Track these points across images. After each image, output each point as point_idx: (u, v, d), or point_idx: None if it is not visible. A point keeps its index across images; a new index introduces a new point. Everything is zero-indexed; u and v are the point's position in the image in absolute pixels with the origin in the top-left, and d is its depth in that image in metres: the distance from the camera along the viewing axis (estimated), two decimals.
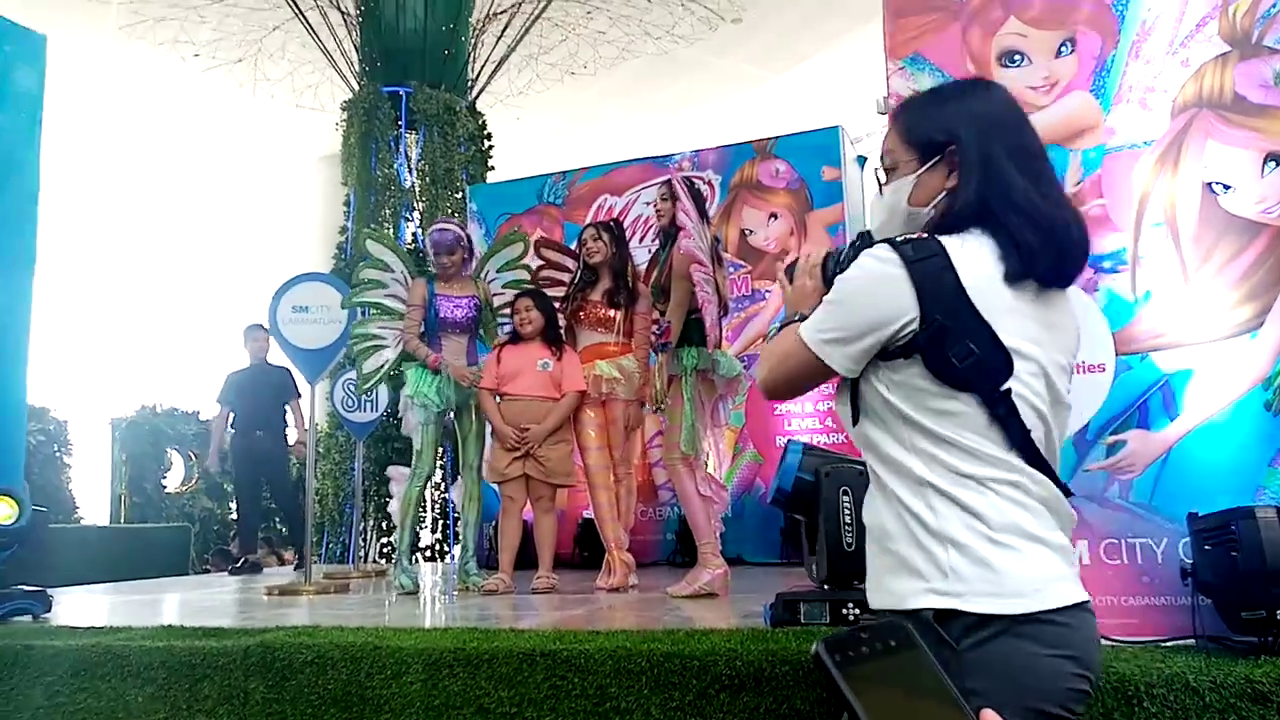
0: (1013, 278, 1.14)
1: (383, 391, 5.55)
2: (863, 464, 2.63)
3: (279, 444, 6.19)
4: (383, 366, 4.40)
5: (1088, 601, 1.12)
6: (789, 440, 2.66)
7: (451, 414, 4.40)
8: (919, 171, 1.24)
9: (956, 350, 1.11)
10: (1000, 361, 1.12)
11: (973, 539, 1.09)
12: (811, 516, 2.48)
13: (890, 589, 1.14)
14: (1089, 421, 2.28)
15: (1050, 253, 1.16)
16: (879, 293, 1.15)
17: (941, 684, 0.56)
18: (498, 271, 4.61)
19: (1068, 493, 1.16)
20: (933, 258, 1.14)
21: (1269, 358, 2.16)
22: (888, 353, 1.16)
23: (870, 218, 1.38)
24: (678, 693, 2.06)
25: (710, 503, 3.84)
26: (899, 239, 1.17)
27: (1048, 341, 1.16)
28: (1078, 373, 2.30)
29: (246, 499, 6.40)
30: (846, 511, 2.38)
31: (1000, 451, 1.12)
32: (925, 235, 1.17)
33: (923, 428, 1.14)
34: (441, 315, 4.30)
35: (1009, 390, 1.12)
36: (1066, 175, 2.43)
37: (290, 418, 6.22)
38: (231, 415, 6.28)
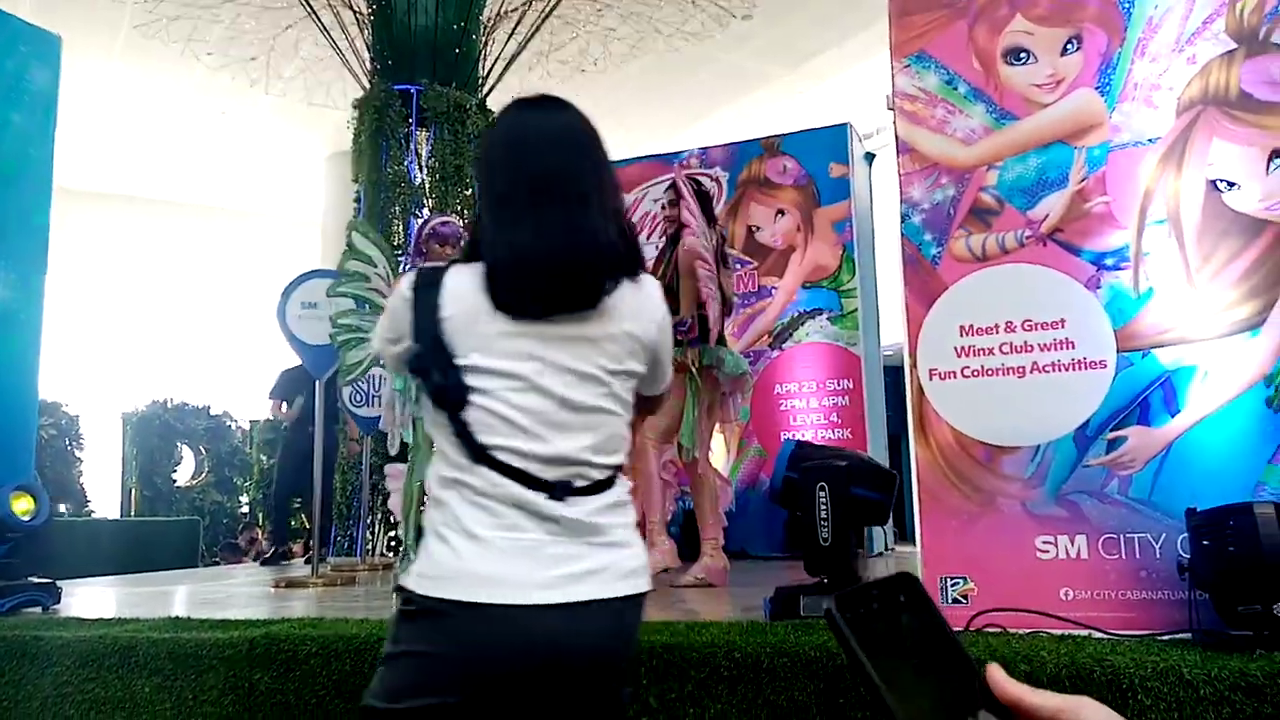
0: (500, 307, 1.22)
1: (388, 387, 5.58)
2: (847, 458, 2.65)
3: (330, 439, 6.34)
4: (364, 360, 4.42)
5: (503, 605, 1.15)
6: (785, 438, 2.68)
7: None
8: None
9: (428, 374, 1.23)
10: (458, 386, 1.21)
11: (436, 530, 1.20)
12: (804, 512, 2.50)
13: None
14: (1090, 417, 2.29)
15: (520, 285, 1.22)
16: (396, 312, 1.28)
17: (948, 637, 0.57)
18: None
19: (559, 492, 1.19)
20: (430, 288, 1.24)
21: (1270, 355, 2.16)
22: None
23: None
24: (676, 684, 2.07)
25: (669, 488, 3.92)
26: (426, 266, 1.29)
27: (561, 357, 1.22)
28: (1079, 369, 2.31)
29: (286, 493, 6.59)
30: (823, 506, 2.39)
31: (465, 459, 1.21)
32: (445, 265, 1.27)
33: (433, 435, 1.27)
34: None
35: (471, 409, 1.20)
36: (1071, 172, 2.44)
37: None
38: (284, 407, 6.62)
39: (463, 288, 1.23)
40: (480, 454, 1.19)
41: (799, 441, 2.69)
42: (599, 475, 1.24)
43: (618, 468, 1.27)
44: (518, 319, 1.21)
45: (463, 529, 1.18)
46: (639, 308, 1.28)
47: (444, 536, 1.19)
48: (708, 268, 3.68)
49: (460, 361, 1.21)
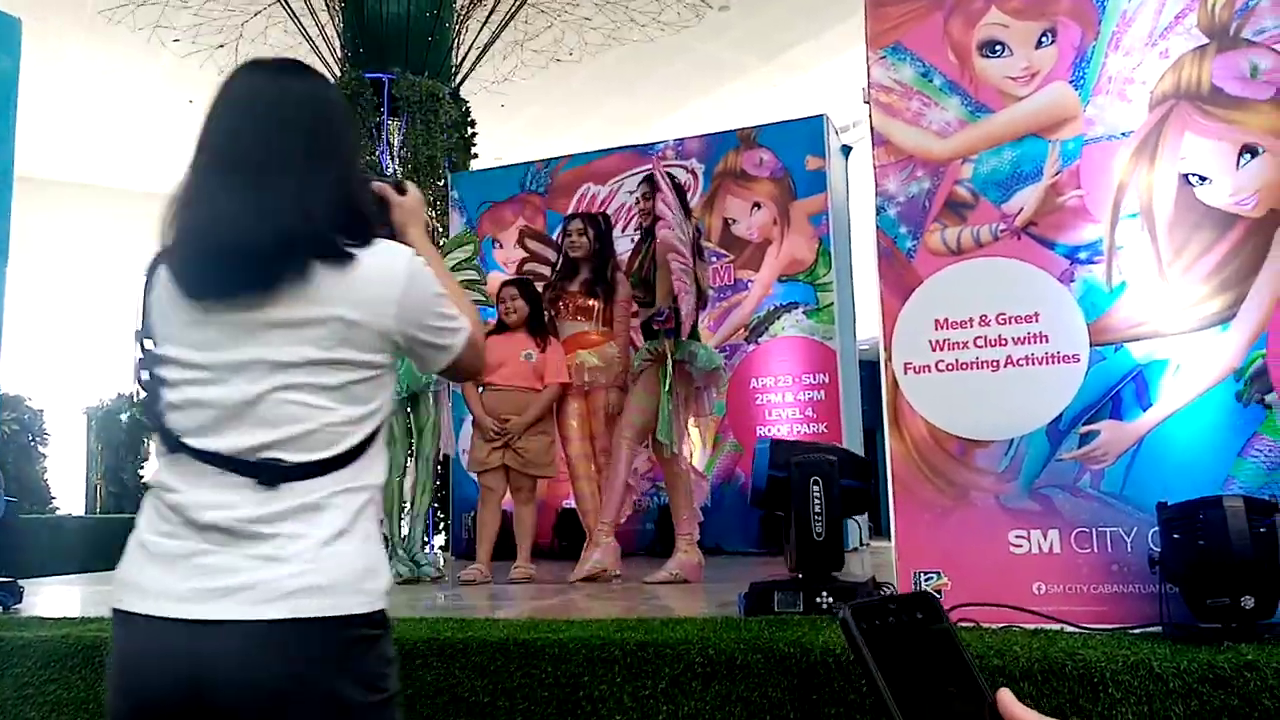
0: (184, 292, 1.11)
1: None
2: (834, 452, 2.63)
3: None
4: None
5: (144, 615, 1.04)
6: (758, 440, 2.66)
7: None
8: None
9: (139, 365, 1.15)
10: (151, 378, 1.12)
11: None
12: (788, 509, 2.48)
13: None
14: (1063, 411, 2.29)
15: (188, 268, 1.12)
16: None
17: (962, 657, 0.57)
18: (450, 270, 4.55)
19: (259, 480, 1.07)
20: (152, 270, 1.16)
21: (1240, 349, 2.17)
22: None
23: None
24: (650, 681, 2.06)
25: (632, 493, 3.93)
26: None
27: (251, 346, 1.09)
28: (1052, 363, 2.31)
29: None
30: (816, 501, 2.38)
31: (160, 457, 1.13)
32: (159, 252, 1.18)
33: None
34: None
35: (162, 402, 1.11)
36: (1045, 166, 2.44)
37: None
38: None
39: (164, 272, 1.14)
40: (173, 450, 1.10)
41: (774, 440, 2.68)
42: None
43: (323, 464, 1.10)
44: (202, 305, 1.10)
45: (138, 531, 1.09)
46: (352, 290, 1.11)
47: (129, 545, 1.09)
48: (683, 261, 3.66)
49: (157, 351, 1.13)
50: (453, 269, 4.54)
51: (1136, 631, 2.02)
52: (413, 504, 4.45)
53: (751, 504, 2.66)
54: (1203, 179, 2.28)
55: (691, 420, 4.09)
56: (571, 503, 4.47)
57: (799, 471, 2.42)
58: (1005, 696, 0.55)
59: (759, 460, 2.52)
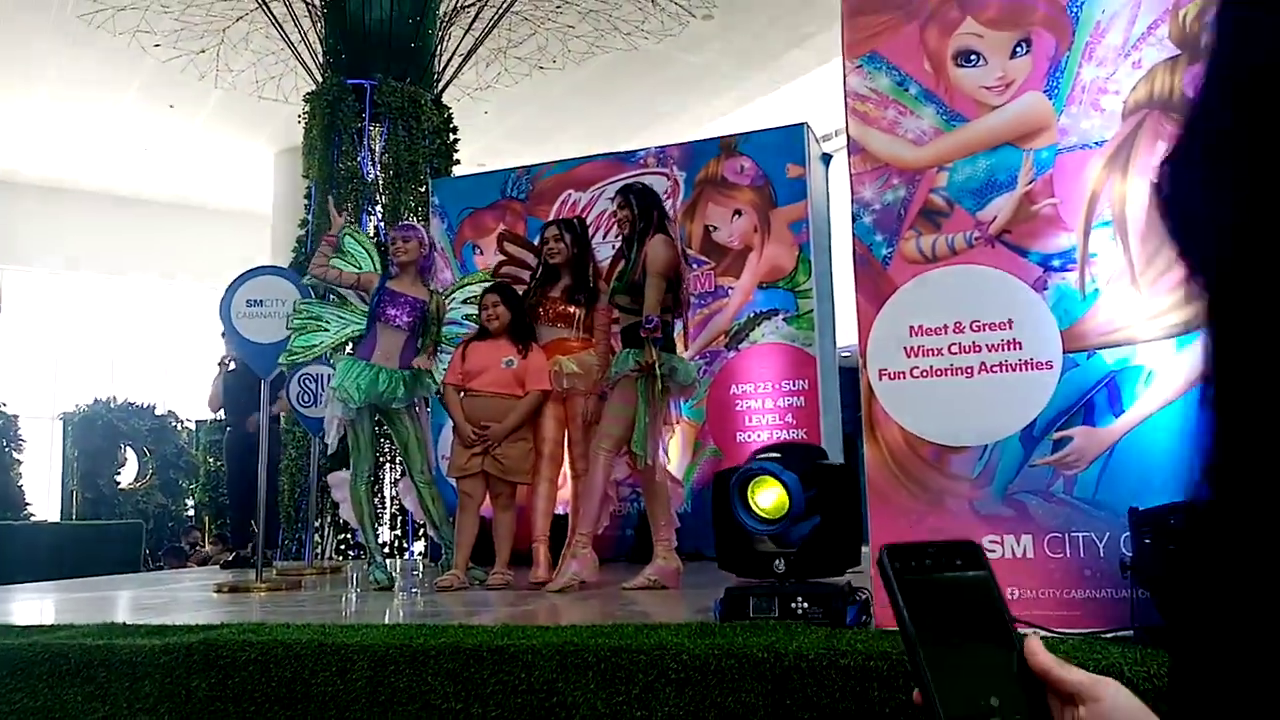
0: None
1: None
2: (831, 464, 2.63)
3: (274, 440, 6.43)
4: (315, 346, 4.39)
5: None
6: (768, 469, 2.61)
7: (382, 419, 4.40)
8: None
9: None
10: None
11: None
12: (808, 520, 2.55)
13: None
14: (1036, 418, 2.30)
15: None
16: None
17: (996, 608, 0.57)
18: (462, 303, 4.60)
19: None
20: None
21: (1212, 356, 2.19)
22: None
23: None
24: (624, 687, 2.05)
25: (609, 503, 3.95)
26: None
27: None
28: (1026, 370, 2.32)
29: (238, 494, 6.56)
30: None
31: None
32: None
33: None
34: (382, 307, 4.28)
35: None
36: (1019, 174, 2.45)
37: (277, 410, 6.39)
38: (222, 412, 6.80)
39: None
40: None
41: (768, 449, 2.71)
42: None
43: None
44: None
45: None
46: None
47: None
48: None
49: None
50: (467, 299, 4.56)
51: (1108, 635, 2.03)
52: (429, 516, 4.45)
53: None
54: None
55: (665, 429, 4.09)
56: (560, 509, 4.46)
57: (837, 482, 2.46)
58: (1032, 642, 0.56)
59: (794, 493, 2.52)
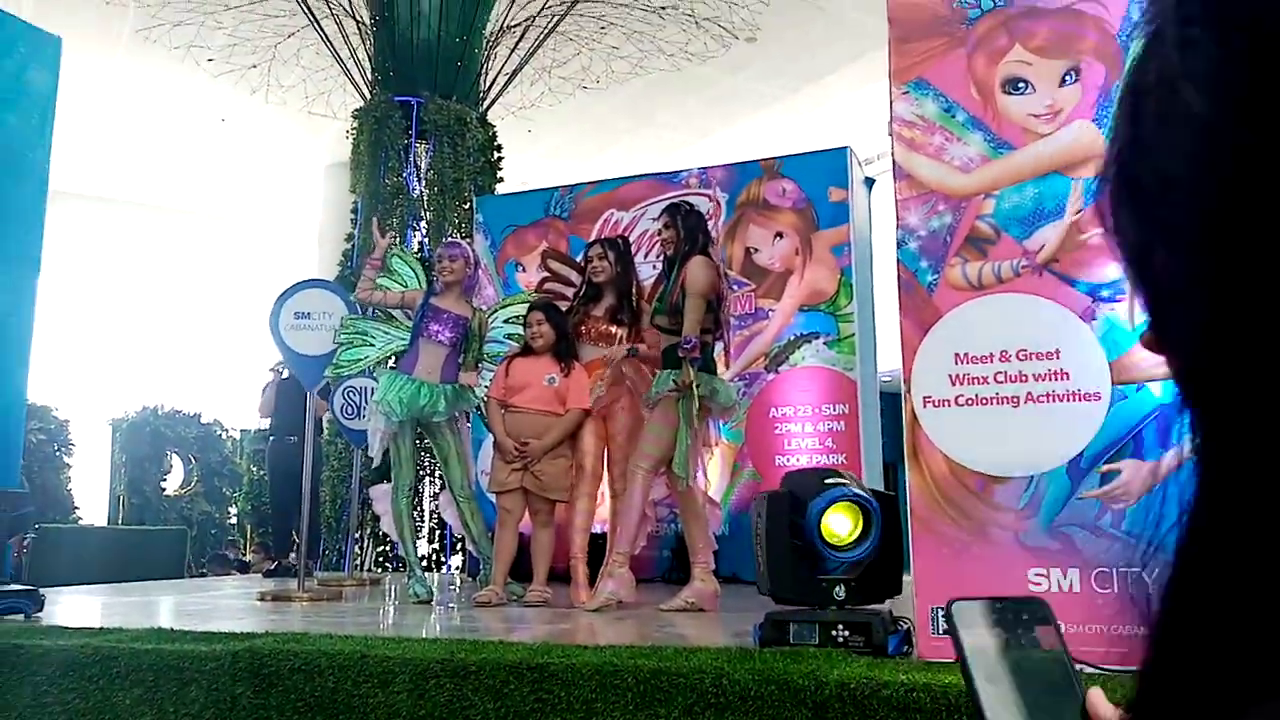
0: None
1: None
2: (882, 493, 2.63)
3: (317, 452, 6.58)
4: (360, 360, 4.48)
5: None
6: (855, 496, 2.61)
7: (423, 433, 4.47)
8: None
9: None
10: None
11: None
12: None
13: None
14: (1084, 450, 2.28)
15: None
16: None
17: (1064, 666, 0.57)
18: (504, 322, 4.66)
19: None
20: None
21: None
22: None
23: None
24: (663, 709, 2.06)
25: (647, 523, 4.01)
26: None
27: None
28: (1073, 401, 2.30)
29: (281, 503, 6.67)
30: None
31: None
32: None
33: None
34: (426, 323, 4.34)
35: None
36: (1068, 203, 2.44)
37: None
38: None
39: None
40: None
41: (793, 472, 2.69)
42: None
43: None
44: None
45: None
46: None
47: None
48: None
49: None
50: (509, 320, 4.64)
51: None
52: (468, 530, 4.50)
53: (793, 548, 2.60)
54: None
55: (704, 450, 4.09)
56: (598, 528, 4.48)
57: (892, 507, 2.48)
58: (1096, 696, 0.56)
59: (879, 521, 2.54)
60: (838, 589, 2.50)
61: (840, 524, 2.52)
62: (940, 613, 2.34)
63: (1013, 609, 0.58)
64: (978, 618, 0.57)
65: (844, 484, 2.57)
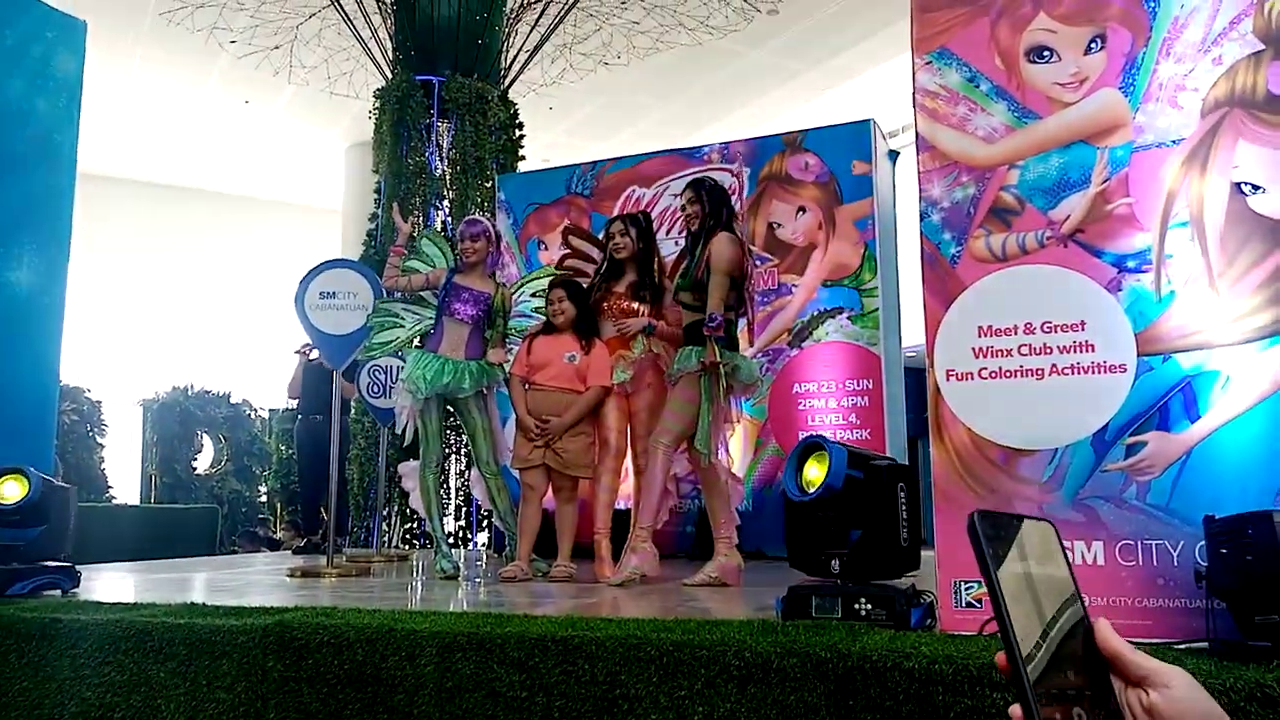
0: None
1: None
2: (889, 457, 2.64)
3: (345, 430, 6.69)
4: (391, 342, 4.55)
5: None
6: (821, 440, 2.62)
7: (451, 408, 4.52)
8: None
9: None
10: None
11: None
12: (852, 515, 2.52)
13: None
14: (1109, 422, 2.26)
15: None
16: None
17: (1070, 579, 0.61)
18: (531, 296, 4.70)
19: None
20: None
21: None
22: None
23: None
24: (686, 682, 2.07)
25: (669, 498, 4.06)
26: None
27: None
28: (1098, 373, 2.28)
29: (310, 482, 6.77)
30: (904, 506, 2.45)
31: None
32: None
33: None
34: (449, 301, 4.38)
35: None
36: (1093, 173, 2.41)
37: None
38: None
39: None
40: None
41: (837, 443, 2.67)
42: None
43: None
44: None
45: None
46: None
47: None
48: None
49: None
50: (535, 293, 4.69)
51: (1182, 647, 1.99)
52: (495, 505, 4.56)
53: (813, 503, 2.59)
54: (1256, 188, 2.24)
55: (726, 426, 4.10)
56: (621, 504, 4.50)
57: (889, 475, 2.44)
58: (1104, 626, 0.57)
59: (836, 463, 2.52)
60: (834, 562, 2.51)
61: (813, 470, 2.56)
62: (962, 586, 2.34)
63: (1030, 527, 0.60)
64: (998, 528, 0.60)
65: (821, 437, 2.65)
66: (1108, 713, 0.56)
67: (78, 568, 3.46)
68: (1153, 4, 2.39)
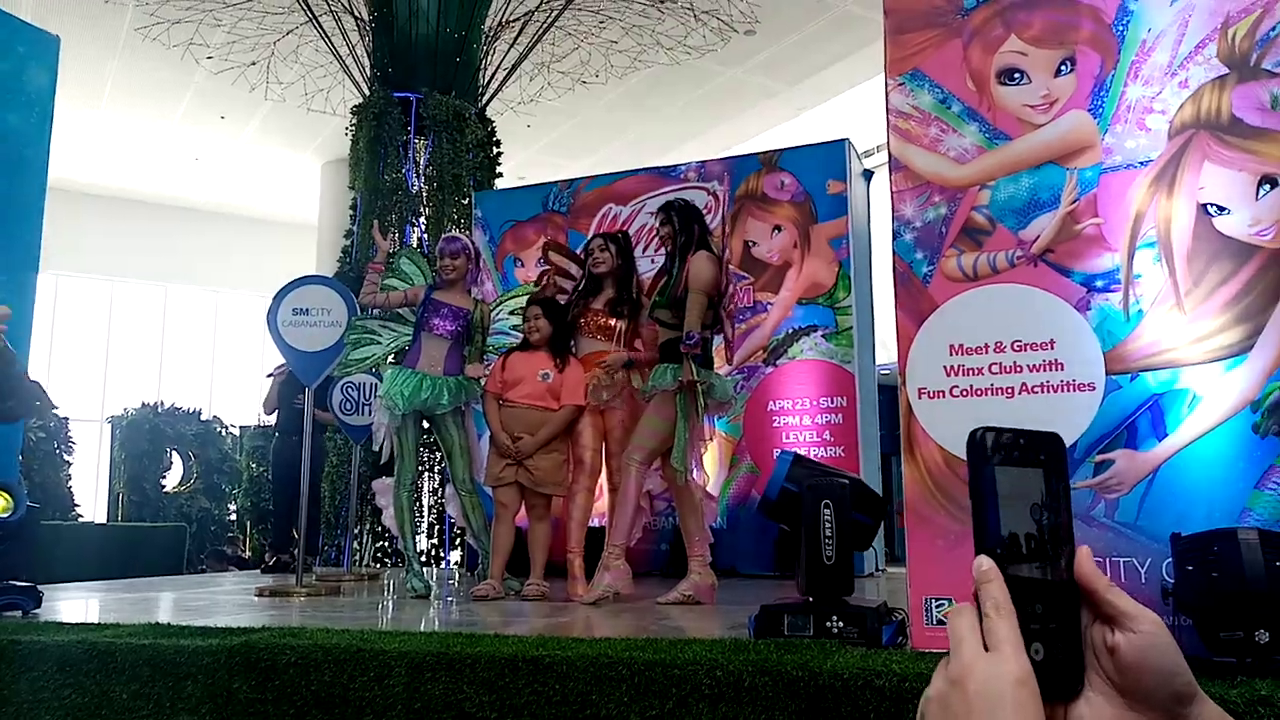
0: None
1: None
2: (848, 479, 2.63)
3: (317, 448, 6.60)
4: (368, 359, 4.52)
5: None
6: (781, 451, 2.66)
7: (428, 425, 4.48)
8: None
9: None
10: None
11: None
12: (795, 527, 2.48)
13: None
14: (1077, 440, 2.28)
15: None
16: None
17: (1062, 506, 0.60)
18: (509, 314, 4.69)
19: None
20: None
21: (1258, 380, 2.16)
22: None
23: None
24: (658, 701, 2.06)
25: (643, 515, 4.03)
26: None
27: None
28: (1068, 391, 2.30)
29: (284, 500, 6.70)
30: (827, 525, 2.38)
31: None
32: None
33: None
34: (427, 317, 4.36)
35: None
36: (1063, 193, 2.44)
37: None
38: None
39: None
40: None
41: (797, 454, 2.68)
42: None
43: None
44: None
45: None
46: None
47: None
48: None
49: None
50: (513, 311, 4.67)
51: None
52: (469, 523, 4.52)
53: (759, 510, 2.65)
54: (1221, 209, 2.27)
55: (700, 444, 4.10)
56: (595, 521, 4.49)
57: (811, 493, 2.41)
58: (1085, 556, 0.57)
59: (777, 469, 2.52)
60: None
61: None
62: (933, 603, 2.34)
63: (1033, 442, 0.60)
64: (1001, 440, 0.59)
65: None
66: (1066, 642, 0.56)
67: (40, 588, 3.39)
68: (1121, 28, 2.43)
